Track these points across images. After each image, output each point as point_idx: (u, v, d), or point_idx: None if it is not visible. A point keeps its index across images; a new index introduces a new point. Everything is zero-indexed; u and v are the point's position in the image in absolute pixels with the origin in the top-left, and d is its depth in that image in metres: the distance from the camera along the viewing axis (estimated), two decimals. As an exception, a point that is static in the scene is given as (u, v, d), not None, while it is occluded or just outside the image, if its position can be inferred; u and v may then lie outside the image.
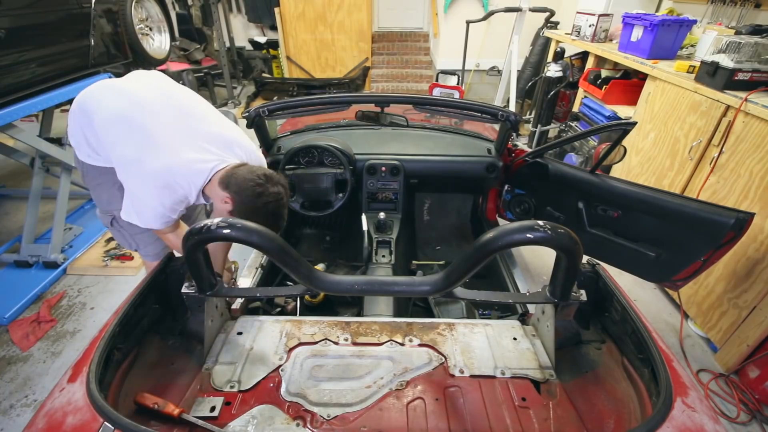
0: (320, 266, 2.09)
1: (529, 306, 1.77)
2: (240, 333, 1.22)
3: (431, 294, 1.01)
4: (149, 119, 1.39)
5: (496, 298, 1.18)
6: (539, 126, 4.15)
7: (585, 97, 3.65)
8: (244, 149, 1.54)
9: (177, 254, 1.34)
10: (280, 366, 1.10)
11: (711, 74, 2.23)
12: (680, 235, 1.66)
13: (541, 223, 0.87)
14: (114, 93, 1.47)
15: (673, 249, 1.71)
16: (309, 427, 0.94)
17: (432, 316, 1.93)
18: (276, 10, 6.56)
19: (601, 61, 3.62)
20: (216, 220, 0.93)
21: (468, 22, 4.29)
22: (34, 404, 1.97)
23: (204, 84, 6.19)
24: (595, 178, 1.86)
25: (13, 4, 2.36)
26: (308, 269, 1.01)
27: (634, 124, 1.66)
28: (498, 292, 1.23)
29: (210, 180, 1.41)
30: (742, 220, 1.48)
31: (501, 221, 2.61)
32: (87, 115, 1.47)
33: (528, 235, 0.86)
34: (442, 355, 1.14)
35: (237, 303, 1.56)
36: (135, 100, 1.43)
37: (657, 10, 3.77)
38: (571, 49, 4.08)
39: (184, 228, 1.61)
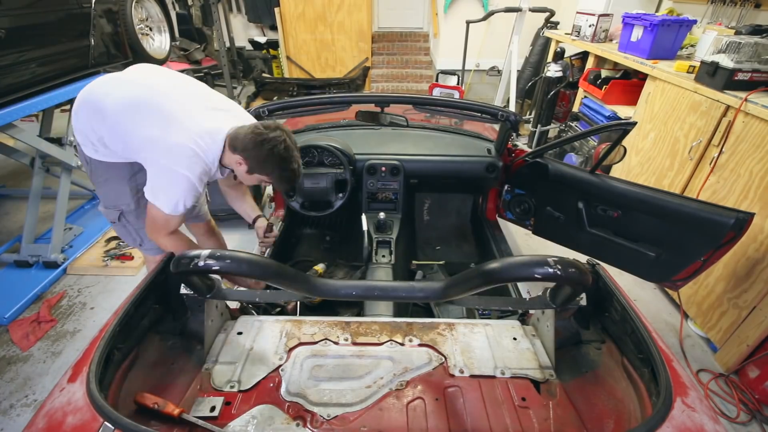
0: (320, 266, 2.09)
1: None
2: (240, 333, 1.22)
3: (429, 300, 1.01)
4: (162, 99, 1.45)
5: (496, 305, 1.18)
6: (539, 126, 4.15)
7: (585, 97, 3.65)
8: (242, 117, 1.63)
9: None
10: (280, 366, 1.10)
11: (711, 74, 2.23)
12: (680, 235, 1.66)
13: (551, 261, 0.87)
14: (120, 83, 1.50)
15: (673, 249, 1.71)
16: (309, 427, 0.94)
17: (432, 315, 1.93)
18: (276, 10, 6.56)
19: (601, 61, 3.62)
20: (205, 253, 0.95)
21: (468, 22, 4.29)
22: (34, 404, 1.97)
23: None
24: (595, 178, 1.86)
25: (13, 4, 2.36)
26: (306, 281, 1.01)
27: (634, 124, 1.66)
28: (497, 298, 1.23)
29: (224, 147, 1.48)
30: (742, 220, 1.48)
31: (501, 221, 2.61)
32: (95, 110, 1.47)
33: (536, 275, 0.87)
34: (442, 355, 1.14)
35: (237, 303, 1.57)
36: (143, 84, 1.49)
37: (657, 10, 3.77)
38: (571, 49, 4.08)
39: (178, 233, 1.60)
